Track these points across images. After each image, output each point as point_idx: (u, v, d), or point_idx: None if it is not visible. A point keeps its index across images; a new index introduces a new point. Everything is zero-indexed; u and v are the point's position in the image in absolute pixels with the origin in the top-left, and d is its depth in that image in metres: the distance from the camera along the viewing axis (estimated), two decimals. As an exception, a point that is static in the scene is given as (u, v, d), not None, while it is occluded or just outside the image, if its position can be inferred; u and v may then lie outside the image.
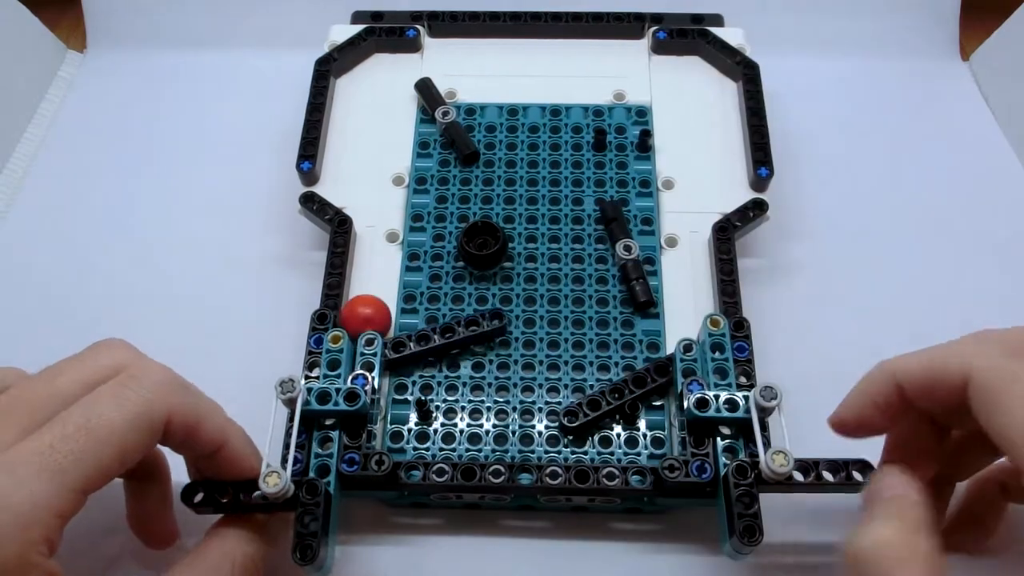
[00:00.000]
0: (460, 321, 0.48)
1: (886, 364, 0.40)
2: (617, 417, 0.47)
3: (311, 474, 0.43)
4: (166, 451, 0.43)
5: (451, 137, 0.57)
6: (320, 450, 0.43)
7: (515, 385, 0.48)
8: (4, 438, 0.34)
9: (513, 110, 0.59)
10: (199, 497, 0.41)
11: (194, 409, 0.38)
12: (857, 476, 0.41)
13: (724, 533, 0.41)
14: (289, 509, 0.41)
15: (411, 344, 0.48)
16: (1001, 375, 0.35)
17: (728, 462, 0.42)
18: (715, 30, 0.62)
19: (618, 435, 0.46)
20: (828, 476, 0.41)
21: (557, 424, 0.47)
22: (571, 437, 0.46)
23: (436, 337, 0.48)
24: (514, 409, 0.47)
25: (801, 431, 0.42)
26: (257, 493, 0.40)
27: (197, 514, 0.41)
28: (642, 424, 0.47)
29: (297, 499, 0.41)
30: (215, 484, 0.41)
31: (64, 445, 0.34)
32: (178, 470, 0.43)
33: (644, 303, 0.50)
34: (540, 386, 0.48)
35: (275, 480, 0.40)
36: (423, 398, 0.47)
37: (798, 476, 0.41)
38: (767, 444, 0.43)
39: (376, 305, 0.49)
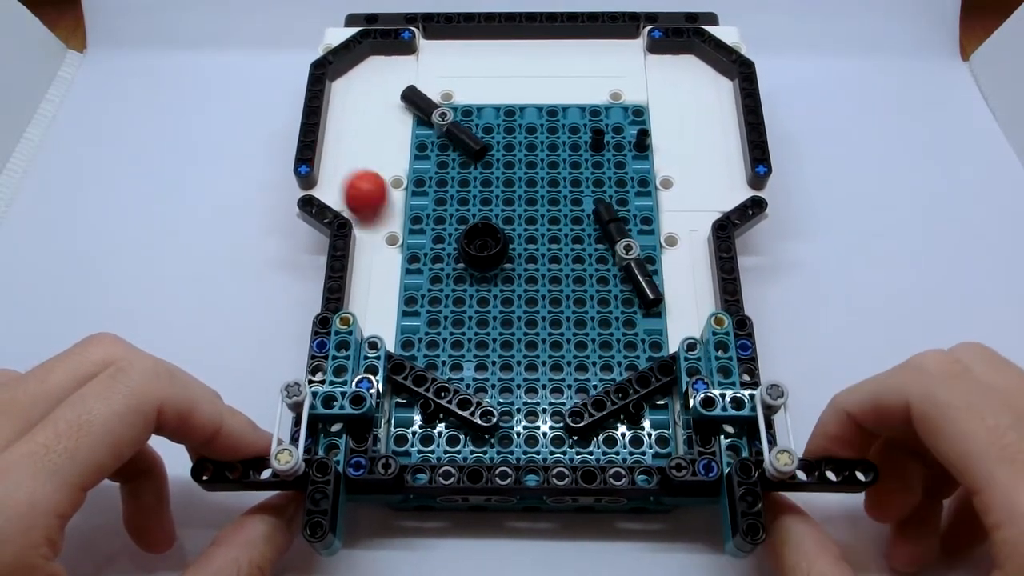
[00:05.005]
0: (456, 391, 0.47)
1: (836, 399, 0.41)
2: (621, 417, 0.47)
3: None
4: (163, 453, 0.43)
5: (454, 138, 0.57)
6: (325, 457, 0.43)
7: (519, 387, 0.48)
8: None
9: (510, 111, 0.59)
10: (207, 476, 0.41)
11: (185, 396, 0.38)
12: (860, 476, 0.41)
13: (727, 531, 0.42)
14: (299, 487, 0.41)
15: (408, 377, 0.47)
16: (935, 403, 0.36)
17: (732, 460, 0.42)
18: (710, 29, 0.62)
19: (623, 435, 0.46)
20: (831, 476, 0.41)
21: (562, 425, 0.47)
22: (576, 437, 0.47)
23: (430, 390, 0.47)
24: (518, 411, 0.47)
25: (803, 428, 0.42)
26: (268, 470, 0.40)
27: (207, 490, 0.42)
28: (647, 424, 0.47)
29: (308, 477, 0.41)
30: (225, 462, 0.41)
31: (57, 444, 0.34)
32: (175, 471, 0.43)
33: (654, 300, 0.50)
34: (544, 387, 0.48)
35: (287, 457, 0.40)
36: (427, 400, 0.47)
37: (801, 475, 0.41)
38: (772, 442, 0.43)
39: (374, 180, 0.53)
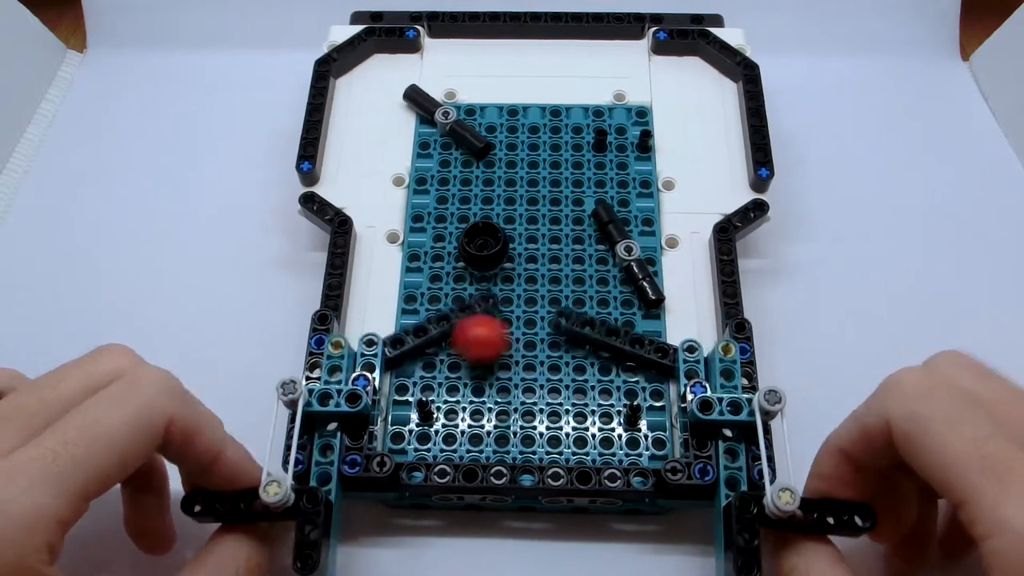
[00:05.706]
0: (453, 309, 0.49)
1: (828, 438, 0.40)
2: (621, 414, 0.47)
3: (312, 480, 0.43)
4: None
5: (458, 136, 0.57)
6: (321, 457, 0.43)
7: (516, 386, 0.48)
8: (5, 444, 0.34)
9: (513, 110, 0.59)
10: (199, 507, 0.40)
11: (193, 417, 0.38)
12: (859, 521, 0.39)
13: (720, 561, 0.41)
14: (289, 518, 0.41)
15: (409, 339, 0.48)
16: (914, 419, 0.35)
17: (731, 494, 0.42)
18: (715, 30, 0.62)
19: (619, 436, 0.46)
20: (830, 520, 0.39)
21: (551, 321, 0.50)
22: (559, 339, 0.49)
23: (432, 327, 0.48)
24: (515, 410, 0.47)
25: (801, 431, 0.41)
26: (257, 502, 0.40)
27: (197, 522, 0.41)
28: (643, 425, 0.46)
29: (298, 507, 0.41)
30: (214, 493, 0.40)
31: (65, 451, 0.33)
32: (175, 471, 0.43)
33: (656, 300, 0.50)
34: (541, 387, 0.48)
35: (275, 490, 0.39)
36: (424, 399, 0.47)
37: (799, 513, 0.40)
38: (768, 447, 0.43)
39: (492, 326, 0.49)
